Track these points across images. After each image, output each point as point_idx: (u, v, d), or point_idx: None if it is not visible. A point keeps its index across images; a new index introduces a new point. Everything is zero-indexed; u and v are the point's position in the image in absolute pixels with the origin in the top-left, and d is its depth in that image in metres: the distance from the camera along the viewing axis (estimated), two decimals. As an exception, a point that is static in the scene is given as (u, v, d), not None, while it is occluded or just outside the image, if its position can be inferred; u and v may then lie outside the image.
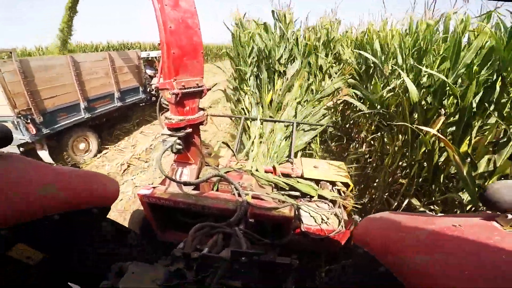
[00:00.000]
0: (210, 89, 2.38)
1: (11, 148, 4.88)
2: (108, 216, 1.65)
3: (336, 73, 5.51)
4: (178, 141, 2.19)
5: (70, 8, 9.26)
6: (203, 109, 2.41)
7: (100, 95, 6.56)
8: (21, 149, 4.92)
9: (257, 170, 3.01)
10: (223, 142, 3.51)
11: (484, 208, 1.88)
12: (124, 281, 1.15)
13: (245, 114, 4.93)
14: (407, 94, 2.76)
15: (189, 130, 2.23)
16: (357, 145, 4.79)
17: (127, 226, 2.05)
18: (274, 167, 3.11)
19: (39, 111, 4.97)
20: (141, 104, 8.58)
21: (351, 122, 5.21)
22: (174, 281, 1.18)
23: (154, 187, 2.40)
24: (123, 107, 7.49)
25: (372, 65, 4.60)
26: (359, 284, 1.31)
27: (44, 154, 5.20)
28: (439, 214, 1.12)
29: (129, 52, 7.84)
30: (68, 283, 1.43)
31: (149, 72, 9.04)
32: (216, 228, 1.81)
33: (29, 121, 4.75)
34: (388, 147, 3.44)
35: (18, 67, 4.60)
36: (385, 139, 3.48)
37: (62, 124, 5.51)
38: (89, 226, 1.48)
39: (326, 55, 5.62)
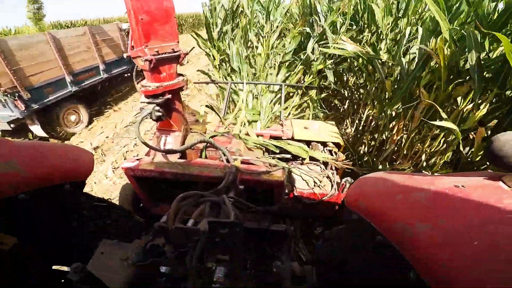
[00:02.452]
0: (187, 53, 2.32)
1: (2, 126, 4.99)
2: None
3: None
4: (157, 108, 2.15)
5: None
6: (182, 75, 2.35)
7: (84, 68, 6.64)
8: (12, 125, 5.02)
9: (247, 134, 2.90)
10: (206, 106, 3.35)
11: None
12: (92, 263, 1.06)
13: (231, 79, 4.85)
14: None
15: (168, 96, 2.19)
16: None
17: (109, 200, 1.94)
18: (263, 131, 3.02)
19: (25, 88, 5.02)
20: (126, 75, 8.70)
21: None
22: (149, 259, 1.09)
23: (138, 159, 2.32)
24: (109, 78, 7.64)
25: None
26: (354, 255, 1.18)
27: (37, 129, 5.33)
28: (438, 174, 0.98)
29: (109, 25, 7.85)
30: (53, 266, 1.35)
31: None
32: (202, 197, 1.66)
33: (16, 98, 4.80)
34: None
35: (-5, 47, 4.57)
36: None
37: (51, 99, 5.61)
38: (63, 203, 1.34)
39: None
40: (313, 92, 4.65)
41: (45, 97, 5.49)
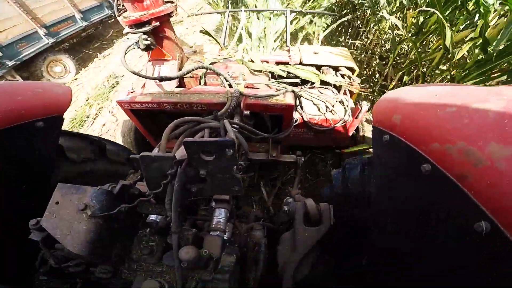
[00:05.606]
0: None
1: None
2: None
3: None
4: (144, 36, 1.98)
5: None
6: (170, 2, 2.12)
7: (58, 19, 6.22)
8: (-9, 84, 4.78)
9: (250, 61, 2.61)
10: (200, 31, 2.96)
11: None
12: (46, 218, 0.81)
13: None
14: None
15: (156, 24, 1.99)
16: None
17: (94, 135, 1.74)
18: (268, 56, 2.73)
19: (-6, 47, 4.80)
20: (110, 21, 8.26)
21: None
22: (117, 206, 0.85)
23: (132, 91, 2.17)
24: (90, 25, 7.26)
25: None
26: (388, 190, 0.90)
27: None
28: (501, 86, 0.71)
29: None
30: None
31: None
32: (200, 123, 1.46)
33: (-14, 58, 4.58)
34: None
35: None
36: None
37: (27, 53, 5.41)
38: (37, 144, 1.16)
39: None
40: (321, 18, 4.30)
41: (20, 53, 5.30)
